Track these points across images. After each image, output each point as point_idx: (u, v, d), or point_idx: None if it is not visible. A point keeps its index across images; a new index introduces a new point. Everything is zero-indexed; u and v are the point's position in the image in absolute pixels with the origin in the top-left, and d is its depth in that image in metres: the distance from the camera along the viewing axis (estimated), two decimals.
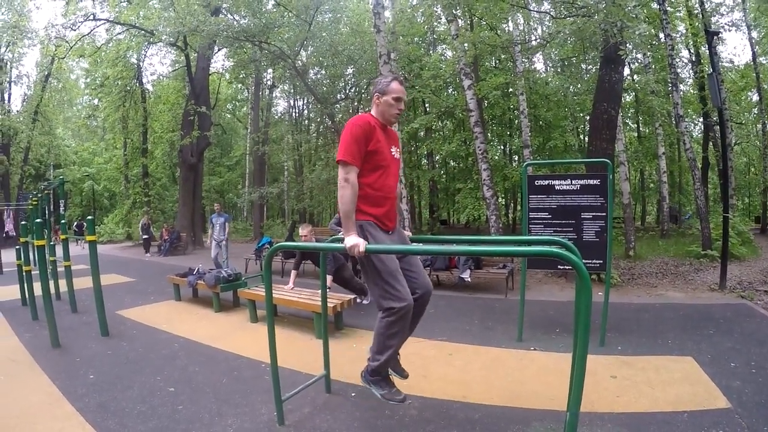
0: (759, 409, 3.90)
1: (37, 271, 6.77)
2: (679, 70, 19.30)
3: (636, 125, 29.07)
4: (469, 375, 4.93)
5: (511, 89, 22.06)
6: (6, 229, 23.47)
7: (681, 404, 4.03)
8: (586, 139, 18.11)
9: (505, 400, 4.23)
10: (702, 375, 4.70)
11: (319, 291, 4.90)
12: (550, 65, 27.46)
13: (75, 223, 30.24)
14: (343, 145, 3.31)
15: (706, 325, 6.63)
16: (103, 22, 22.12)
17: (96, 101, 28.77)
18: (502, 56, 23.30)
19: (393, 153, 3.60)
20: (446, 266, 10.36)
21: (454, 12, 14.56)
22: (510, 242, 5.52)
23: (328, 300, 5.57)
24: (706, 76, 15.11)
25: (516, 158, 26.95)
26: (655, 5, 13.88)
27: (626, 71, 19.53)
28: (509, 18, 17.98)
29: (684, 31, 20.41)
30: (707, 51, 13.96)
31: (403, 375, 3.87)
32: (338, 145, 3.40)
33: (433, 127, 25.72)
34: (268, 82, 30.83)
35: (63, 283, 8.83)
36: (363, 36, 20.72)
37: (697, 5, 18.08)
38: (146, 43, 22.75)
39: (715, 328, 6.47)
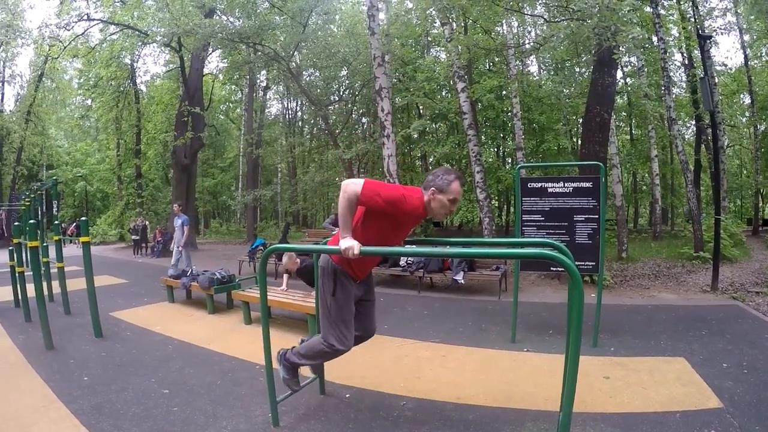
0: (750, 408, 3.93)
1: (30, 273, 6.75)
2: (671, 74, 19.42)
3: (629, 128, 29.22)
4: (462, 376, 4.95)
5: (504, 92, 22.14)
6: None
7: (673, 404, 4.06)
8: (579, 141, 18.16)
9: (498, 401, 4.25)
10: (694, 375, 4.73)
11: (313, 293, 4.91)
12: (544, 68, 27.57)
13: (74, 224, 30.16)
14: (380, 187, 3.21)
15: (698, 326, 6.67)
16: (97, 22, 22.05)
17: (89, 101, 28.70)
18: (496, 59, 23.38)
19: (408, 230, 3.66)
20: (440, 268, 10.37)
21: (449, 15, 14.59)
22: (503, 244, 5.53)
23: None
24: (698, 79, 15.18)
25: (509, 161, 27.05)
26: (648, 9, 13.97)
27: (619, 74, 19.62)
28: (503, 21, 18.06)
29: (677, 35, 20.53)
30: (700, 54, 14.04)
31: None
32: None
33: (427, 130, 25.76)
34: (262, 84, 30.81)
35: (56, 285, 8.80)
36: (357, 38, 20.76)
37: (690, 9, 18.21)
38: (140, 44, 22.69)
39: (707, 329, 6.51)
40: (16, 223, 10.54)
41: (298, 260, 7.64)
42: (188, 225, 11.67)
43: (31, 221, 7.11)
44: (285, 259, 7.58)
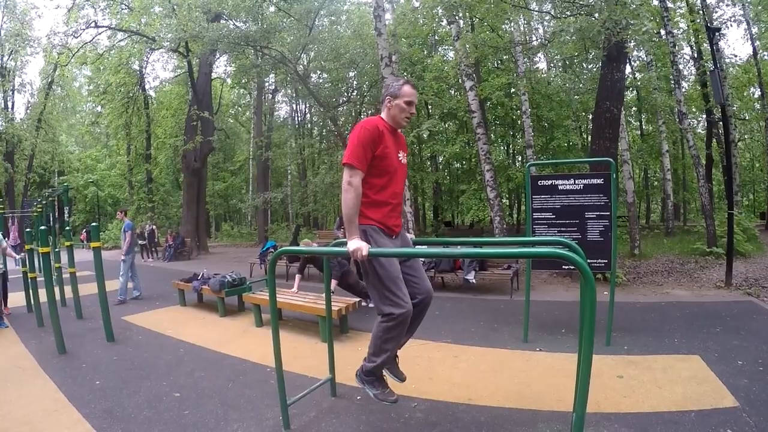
0: (767, 407, 3.87)
1: (43, 278, 6.80)
2: (681, 67, 19.26)
3: (639, 123, 29.00)
4: (474, 377, 4.92)
5: (513, 89, 22.04)
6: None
7: (688, 403, 4.01)
8: (589, 138, 18.03)
9: (511, 401, 4.22)
10: (709, 373, 4.67)
11: (324, 294, 4.89)
12: (552, 64, 27.43)
13: (84, 229, 30.50)
14: (349, 148, 3.26)
15: (713, 323, 6.60)
16: (104, 29, 22.22)
17: (99, 108, 29.00)
18: (504, 57, 23.28)
19: (400, 158, 3.56)
20: (451, 268, 10.32)
21: (455, 14, 14.53)
22: (514, 243, 5.49)
23: (333, 303, 5.56)
24: (708, 72, 15.04)
25: (519, 159, 26.95)
26: (655, 2, 13.84)
27: (628, 69, 19.46)
28: (510, 18, 17.98)
29: (686, 28, 20.35)
30: (709, 47, 13.89)
31: (401, 378, 3.84)
32: (345, 148, 3.38)
33: (436, 129, 25.72)
34: (271, 87, 30.87)
35: (68, 290, 8.86)
36: (364, 39, 20.71)
37: (698, 1, 18.03)
38: (148, 50, 22.82)
39: (721, 326, 6.43)
40: (28, 230, 10.61)
41: (314, 244, 7.65)
42: (130, 230, 10.36)
43: (42, 227, 7.15)
44: (305, 241, 7.61)
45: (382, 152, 3.34)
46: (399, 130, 3.63)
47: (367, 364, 3.59)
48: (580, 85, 21.61)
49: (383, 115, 3.52)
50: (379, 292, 3.35)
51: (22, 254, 8.86)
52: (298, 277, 8.39)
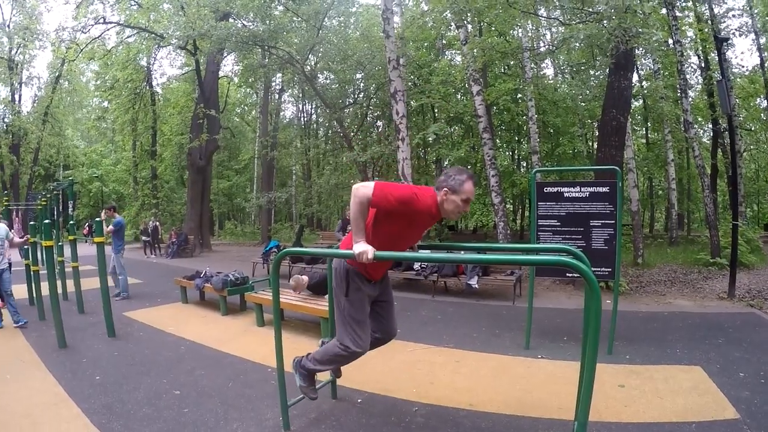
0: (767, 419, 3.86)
1: (45, 271, 6.81)
2: (688, 76, 19.21)
3: (644, 131, 28.94)
4: (476, 382, 4.91)
5: (520, 95, 22.01)
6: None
7: (689, 414, 3.99)
8: (595, 145, 17.99)
9: (512, 408, 4.21)
10: (710, 385, 4.65)
11: (326, 296, 4.89)
12: (560, 71, 27.39)
13: (87, 224, 30.62)
14: (392, 188, 3.18)
15: (715, 334, 6.57)
16: (113, 25, 22.26)
17: (106, 103, 29.03)
18: (511, 62, 23.27)
19: (422, 231, 3.60)
20: (454, 272, 10.30)
21: (464, 18, 14.52)
22: (518, 250, 5.45)
23: None
24: (715, 82, 15.00)
25: (524, 164, 26.91)
26: (663, 11, 13.82)
27: (635, 77, 19.43)
28: (519, 24, 17.97)
29: (693, 37, 20.30)
30: (716, 57, 13.87)
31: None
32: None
33: (442, 133, 25.67)
34: (277, 87, 30.89)
35: (71, 284, 8.86)
36: (372, 41, 20.70)
37: (706, 11, 17.99)
38: (156, 47, 22.87)
39: (723, 338, 6.41)
40: (31, 223, 10.65)
41: (305, 278, 7.57)
42: (115, 227, 9.92)
43: (46, 220, 7.16)
44: (292, 282, 7.51)
45: (409, 224, 3.31)
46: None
47: (308, 363, 3.75)
48: (587, 93, 21.58)
49: (438, 198, 3.31)
50: (344, 325, 3.49)
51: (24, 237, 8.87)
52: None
